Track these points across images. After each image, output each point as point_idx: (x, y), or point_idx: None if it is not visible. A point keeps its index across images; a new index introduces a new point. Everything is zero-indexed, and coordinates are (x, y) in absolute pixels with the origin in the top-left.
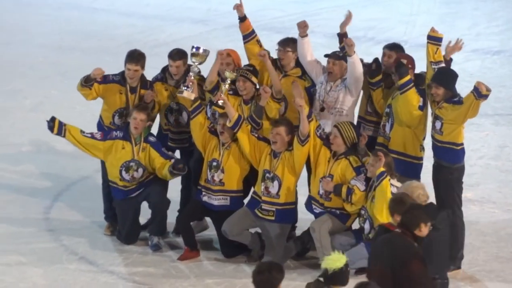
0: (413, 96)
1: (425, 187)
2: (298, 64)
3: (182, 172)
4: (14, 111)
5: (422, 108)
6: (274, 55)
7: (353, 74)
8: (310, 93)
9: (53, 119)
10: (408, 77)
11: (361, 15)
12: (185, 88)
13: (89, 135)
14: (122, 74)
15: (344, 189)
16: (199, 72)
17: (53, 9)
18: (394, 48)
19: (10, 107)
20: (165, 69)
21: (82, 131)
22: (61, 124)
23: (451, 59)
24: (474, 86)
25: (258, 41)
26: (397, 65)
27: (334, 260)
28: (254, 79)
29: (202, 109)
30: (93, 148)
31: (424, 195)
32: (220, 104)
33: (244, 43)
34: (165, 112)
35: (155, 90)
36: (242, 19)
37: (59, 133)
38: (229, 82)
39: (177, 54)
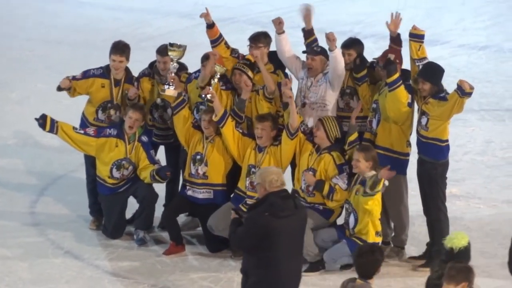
0: (402, 94)
1: (281, 174)
2: (270, 59)
3: (163, 181)
4: (0, 104)
5: (411, 105)
6: (246, 51)
7: (335, 69)
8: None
9: (43, 117)
10: (397, 75)
11: (349, 9)
12: (167, 85)
13: (82, 132)
14: (106, 67)
15: (326, 187)
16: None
17: (40, 2)
18: (351, 45)
19: None
20: (152, 65)
21: (74, 128)
22: (53, 121)
23: (399, 34)
24: (457, 84)
25: (226, 43)
26: (385, 63)
27: (459, 239)
28: (250, 73)
29: (185, 104)
30: (85, 145)
31: (277, 180)
32: (209, 98)
33: (212, 47)
34: (150, 108)
35: (140, 86)
36: (210, 26)
37: (51, 130)
38: (218, 76)
39: (166, 50)
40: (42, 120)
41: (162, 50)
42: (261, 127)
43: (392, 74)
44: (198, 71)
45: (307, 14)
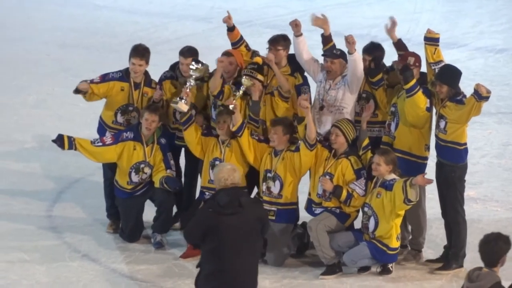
0: (420, 99)
1: (234, 172)
2: (289, 61)
3: (171, 190)
4: (17, 108)
5: (429, 109)
6: (266, 54)
7: (354, 72)
8: (299, 91)
9: (60, 137)
10: (414, 81)
11: (365, 13)
12: (179, 99)
13: (101, 144)
14: (125, 70)
15: (344, 193)
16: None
17: (57, 6)
18: (366, 51)
19: (13, 104)
20: (174, 67)
21: (92, 142)
22: (70, 139)
23: (400, 39)
24: (474, 89)
25: (246, 46)
26: (402, 69)
27: None
28: (259, 76)
29: (193, 120)
30: (106, 155)
31: (227, 179)
32: (231, 108)
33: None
34: (174, 111)
35: (163, 89)
36: (231, 29)
37: (70, 148)
38: (243, 89)
39: (189, 51)
40: (59, 141)
41: (185, 52)
42: (273, 131)
43: (409, 80)
44: (167, 71)
45: (324, 21)
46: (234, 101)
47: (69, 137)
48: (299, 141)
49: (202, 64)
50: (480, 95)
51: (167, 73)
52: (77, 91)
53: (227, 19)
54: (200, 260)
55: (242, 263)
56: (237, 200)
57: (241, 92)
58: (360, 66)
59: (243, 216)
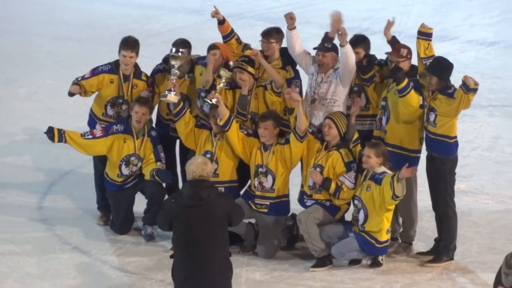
0: (413, 98)
1: (204, 165)
2: (281, 55)
3: (163, 182)
4: (9, 100)
5: (423, 106)
6: (258, 46)
7: (346, 65)
8: (291, 84)
9: (50, 129)
10: (405, 82)
11: (357, 5)
12: (168, 91)
13: (91, 137)
14: (114, 63)
15: (333, 185)
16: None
17: None
18: (357, 44)
19: (5, 96)
20: (166, 59)
21: (82, 135)
22: (60, 132)
23: (394, 37)
24: (462, 81)
25: (237, 39)
26: (393, 70)
27: None
28: (250, 69)
29: (186, 110)
30: (96, 147)
31: (195, 172)
32: (214, 102)
33: (224, 42)
34: (167, 103)
35: (156, 82)
36: (222, 22)
37: (60, 140)
38: (224, 81)
39: (182, 43)
40: (49, 134)
41: (178, 44)
42: (264, 126)
43: (401, 81)
44: (160, 64)
45: (337, 21)
46: (216, 94)
47: (59, 130)
48: (289, 134)
49: (182, 52)
50: (468, 87)
51: (160, 66)
52: (70, 94)
53: (215, 14)
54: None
55: (206, 255)
56: (197, 193)
57: (221, 85)
58: (352, 59)
59: (205, 209)
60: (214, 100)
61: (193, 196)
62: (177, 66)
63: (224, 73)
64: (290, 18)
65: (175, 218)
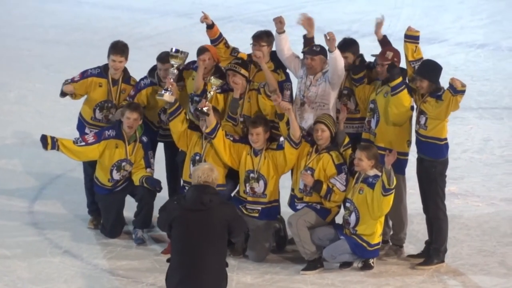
0: (405, 97)
1: (210, 171)
2: (271, 58)
3: (152, 189)
4: None
5: (413, 108)
6: (248, 49)
7: (335, 70)
8: (282, 87)
9: (43, 137)
10: (400, 79)
11: (346, 8)
12: (164, 91)
13: (83, 144)
14: (103, 66)
15: (324, 187)
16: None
17: (38, 2)
18: (346, 48)
19: None
20: (151, 72)
21: (74, 141)
22: (53, 139)
23: (385, 36)
24: (449, 83)
25: (225, 43)
26: (389, 67)
27: None
28: (243, 71)
29: (180, 110)
30: (89, 154)
31: (200, 177)
32: (205, 110)
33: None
34: (158, 112)
35: (146, 96)
36: (210, 26)
37: (53, 148)
38: (214, 89)
39: (166, 57)
40: (43, 141)
41: (163, 57)
42: (255, 132)
43: (396, 78)
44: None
45: (309, 22)
46: (207, 102)
47: (52, 138)
48: (282, 139)
49: (182, 52)
50: (455, 89)
51: (146, 81)
52: (63, 94)
53: (204, 19)
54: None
55: (203, 261)
56: (199, 198)
57: (212, 93)
58: (341, 63)
59: (207, 215)
60: (205, 109)
61: (196, 200)
62: (176, 65)
63: (214, 81)
64: (279, 22)
65: (175, 220)
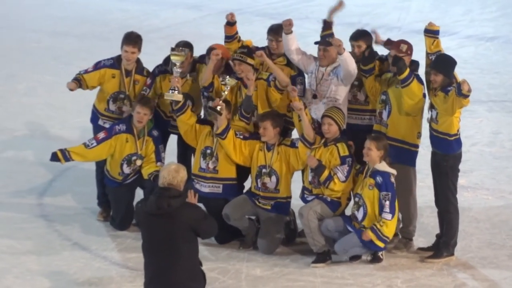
0: (416, 87)
1: (179, 172)
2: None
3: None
4: (7, 96)
5: (425, 95)
6: (258, 42)
7: (347, 70)
8: (295, 82)
9: (53, 154)
10: (407, 71)
11: (356, 0)
12: (171, 90)
13: (95, 143)
14: (116, 57)
15: (325, 173)
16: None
17: None
18: (359, 37)
19: (3, 92)
20: (166, 60)
21: (86, 145)
22: (63, 153)
23: (388, 39)
24: (458, 82)
25: (239, 40)
26: (394, 60)
27: None
28: (250, 60)
29: (187, 107)
30: (102, 152)
31: (166, 178)
32: (218, 109)
33: (225, 42)
34: (170, 102)
35: (160, 83)
36: (231, 23)
37: (66, 160)
38: (228, 88)
39: (184, 45)
40: (54, 158)
41: (179, 45)
42: (263, 126)
43: (403, 70)
44: (160, 65)
45: (336, 8)
46: (221, 101)
47: (62, 151)
48: (297, 139)
49: (183, 49)
50: (460, 91)
51: (160, 68)
52: (69, 89)
53: (231, 17)
54: None
55: (169, 262)
56: (156, 202)
57: (226, 92)
58: (352, 63)
59: (168, 219)
60: (218, 108)
61: (153, 205)
62: (178, 64)
63: (230, 81)
64: (288, 24)
65: (140, 222)
